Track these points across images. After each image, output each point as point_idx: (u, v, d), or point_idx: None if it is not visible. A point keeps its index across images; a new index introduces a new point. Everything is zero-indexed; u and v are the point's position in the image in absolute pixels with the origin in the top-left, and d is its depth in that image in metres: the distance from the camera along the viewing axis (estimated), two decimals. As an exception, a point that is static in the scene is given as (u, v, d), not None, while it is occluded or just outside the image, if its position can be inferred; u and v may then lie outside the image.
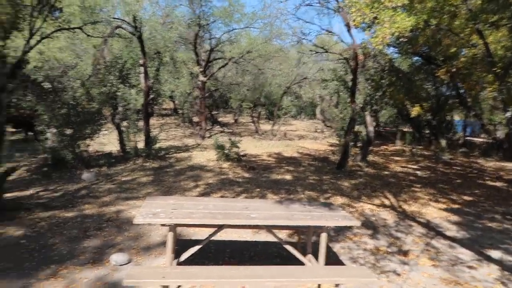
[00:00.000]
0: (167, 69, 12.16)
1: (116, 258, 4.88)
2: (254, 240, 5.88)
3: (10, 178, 7.67)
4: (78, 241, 5.45)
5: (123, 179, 9.42)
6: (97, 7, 12.72)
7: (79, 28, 7.87)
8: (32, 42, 7.30)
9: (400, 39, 9.95)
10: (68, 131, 10.25)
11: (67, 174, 9.77)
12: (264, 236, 5.93)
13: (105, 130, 11.40)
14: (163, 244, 5.45)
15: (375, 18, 6.01)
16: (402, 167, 13.37)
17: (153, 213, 4.06)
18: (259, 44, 16.51)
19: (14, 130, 16.20)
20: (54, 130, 10.45)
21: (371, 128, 13.12)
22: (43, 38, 6.86)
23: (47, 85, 14.53)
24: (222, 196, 8.13)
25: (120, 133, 11.92)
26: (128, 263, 4.90)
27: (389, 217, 7.36)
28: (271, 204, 5.08)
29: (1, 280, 4.32)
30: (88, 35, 9.16)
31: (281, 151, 15.70)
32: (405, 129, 24.25)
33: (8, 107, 6.40)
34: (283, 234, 6.04)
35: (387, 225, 6.88)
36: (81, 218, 6.40)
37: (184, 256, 4.34)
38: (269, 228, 4.50)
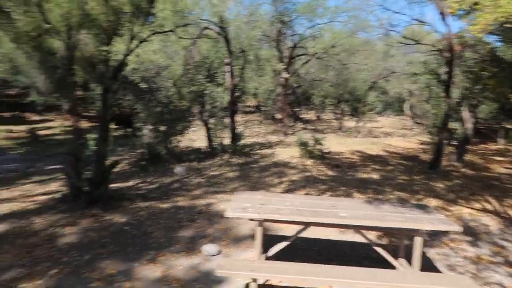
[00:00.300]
0: (251, 67, 12.45)
1: (208, 248, 5.14)
2: (340, 239, 5.76)
3: (114, 170, 8.50)
4: (173, 231, 5.85)
5: (212, 173, 9.87)
6: (187, 10, 13.47)
7: (172, 31, 8.39)
8: (131, 46, 7.97)
9: (505, 25, 8.93)
10: (162, 128, 11.02)
11: (161, 168, 10.52)
12: (350, 236, 5.78)
13: (194, 127, 12.04)
14: (250, 237, 5.61)
15: (475, 3, 5.46)
16: (506, 168, 12.07)
17: (242, 207, 4.19)
18: (343, 38, 16.08)
19: (116, 127, 17.89)
20: (150, 127, 11.30)
21: (469, 125, 12.04)
22: (141, 42, 7.44)
23: (143, 85, 15.78)
24: (306, 194, 8.11)
25: (208, 129, 12.49)
26: (219, 254, 5.13)
27: (492, 223, 6.69)
28: (360, 203, 4.93)
29: (110, 261, 4.82)
30: (180, 37, 9.72)
31: (366, 148, 15.15)
32: (509, 126, 21.84)
33: (111, 106, 7.11)
34: (371, 236, 5.83)
35: (490, 232, 6.26)
36: (175, 209, 6.85)
37: (272, 251, 4.42)
38: (359, 229, 4.37)
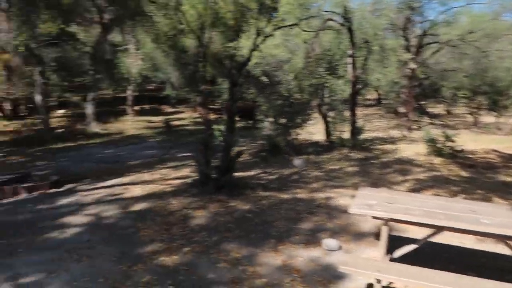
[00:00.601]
0: (375, 58, 11.86)
1: (328, 243, 5.08)
2: (477, 248, 5.14)
3: (238, 160, 8.99)
4: (293, 222, 5.94)
5: (330, 167, 9.74)
6: (309, 2, 13.42)
7: (296, 24, 8.44)
8: (257, 41, 8.27)
9: None
10: (282, 121, 11.25)
11: (280, 159, 10.77)
12: (491, 246, 5.11)
13: (313, 120, 12.01)
14: (371, 235, 5.38)
15: None
16: None
17: (368, 204, 4.02)
18: (484, 22, 14.20)
19: (238, 118, 18.92)
20: (271, 120, 11.64)
21: None
22: (266, 37, 7.65)
23: (264, 79, 16.31)
24: (434, 195, 7.43)
25: (327, 123, 12.34)
26: (339, 249, 5.03)
27: None
28: (505, 210, 4.31)
29: (235, 245, 5.11)
30: (304, 30, 9.72)
31: (506, 148, 13.23)
32: None
33: (238, 99, 7.52)
34: (517, 247, 5.06)
35: None
36: (294, 201, 6.95)
37: (398, 253, 4.15)
38: (506, 239, 3.82)
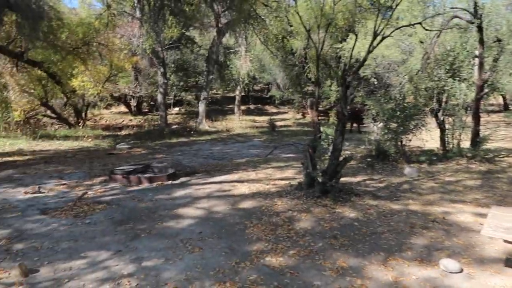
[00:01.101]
0: (508, 58, 10.44)
1: (447, 263, 4.60)
2: None
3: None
4: (405, 236, 5.52)
5: (446, 179, 8.88)
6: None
7: (419, 23, 7.83)
8: (373, 42, 7.90)
9: None
10: (393, 125, 10.59)
11: (389, 166, 10.17)
12: None
13: (426, 126, 11.08)
14: (499, 261, 4.72)
15: None
16: None
17: (505, 227, 3.52)
18: None
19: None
20: (380, 124, 11.05)
21: None
22: (384, 38, 7.23)
23: (374, 81, 15.61)
24: None
25: (443, 130, 11.29)
26: (460, 272, 4.52)
27: None
28: None
29: (341, 253, 4.94)
30: (426, 30, 9.00)
31: None
32: None
33: (351, 101, 7.28)
34: None
35: None
36: (406, 212, 6.47)
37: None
38: None
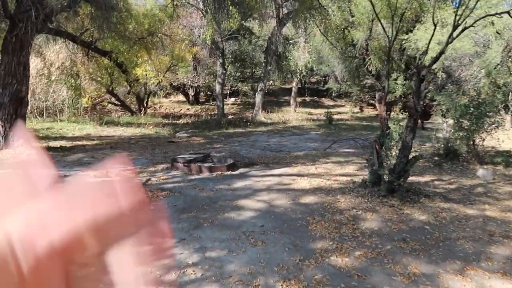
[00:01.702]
0: None
1: (536, 280, 4.15)
2: None
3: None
4: (483, 244, 5.07)
5: (527, 184, 8.11)
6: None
7: (507, 12, 7.12)
8: (453, 33, 7.31)
9: None
10: (465, 123, 9.85)
11: (459, 167, 9.49)
12: None
13: (503, 124, 10.19)
14: None
15: None
16: None
17: None
18: None
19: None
20: (450, 121, 10.33)
21: None
22: (465, 29, 6.64)
23: (442, 74, 14.64)
24: None
25: (523, 129, 10.32)
26: (551, 291, 4.05)
27: None
28: None
29: (412, 258, 4.63)
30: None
31: None
32: None
33: (424, 96, 6.81)
34: None
35: None
36: (482, 218, 5.96)
37: None
38: None
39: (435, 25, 6.66)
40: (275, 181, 7.80)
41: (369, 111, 31.79)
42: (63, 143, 12.18)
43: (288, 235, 5.19)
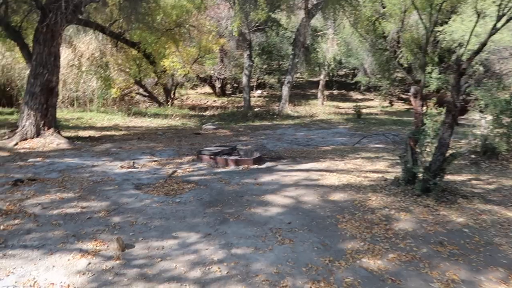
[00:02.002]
0: None
1: None
2: None
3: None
4: (529, 251, 4.71)
5: None
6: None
7: None
8: (497, 25, 6.82)
9: None
10: (506, 120, 9.29)
11: (498, 166, 8.96)
12: None
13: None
14: None
15: None
16: None
17: None
18: None
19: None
20: (489, 117, 9.78)
21: None
22: (508, 20, 6.15)
23: (479, 68, 13.93)
24: None
25: None
26: None
27: None
28: None
29: (450, 263, 4.33)
30: None
31: None
32: None
33: (463, 92, 6.41)
34: None
35: None
36: (526, 222, 5.55)
37: None
38: None
39: (478, 15, 6.22)
40: (302, 176, 7.58)
41: (399, 106, 30.90)
42: (92, 133, 12.33)
43: (316, 233, 4.99)
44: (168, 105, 22.23)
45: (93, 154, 9.02)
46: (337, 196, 6.38)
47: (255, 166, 8.36)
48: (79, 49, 16.16)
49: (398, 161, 8.63)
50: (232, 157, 8.81)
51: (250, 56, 20.44)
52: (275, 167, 8.38)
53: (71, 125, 13.95)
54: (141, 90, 23.63)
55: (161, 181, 7.03)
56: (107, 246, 4.42)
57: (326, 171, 8.04)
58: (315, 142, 12.23)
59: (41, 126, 9.74)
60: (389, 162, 9.07)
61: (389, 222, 5.38)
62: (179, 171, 7.85)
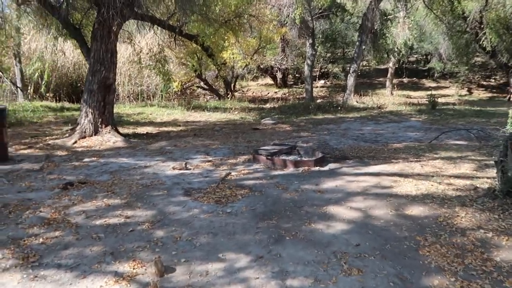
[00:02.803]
0: None
1: None
2: None
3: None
4: None
5: None
6: None
7: None
8: None
9: None
10: None
11: None
12: None
13: None
14: None
15: None
16: None
17: None
18: None
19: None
20: None
21: None
22: None
23: None
24: None
25: None
26: None
27: None
28: None
29: None
30: None
31: None
32: None
33: None
34: None
35: None
36: None
37: None
38: None
39: None
40: (372, 182, 6.58)
41: (479, 94, 27.93)
42: (150, 129, 12.23)
43: (392, 261, 4.05)
44: (228, 97, 21.92)
45: (147, 153, 8.74)
46: (416, 210, 5.33)
47: (316, 168, 7.50)
48: (139, 45, 16.25)
49: (487, 163, 7.32)
50: (290, 158, 8.03)
51: (313, 45, 19.35)
52: (340, 170, 7.45)
53: (131, 120, 14.04)
54: (202, 83, 23.58)
55: (213, 186, 6.46)
56: (145, 269, 3.88)
57: (400, 175, 6.94)
58: (384, 138, 11.02)
59: (99, 123, 9.69)
60: (476, 164, 7.72)
61: (486, 249, 4.27)
62: (233, 173, 7.24)
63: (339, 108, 17.63)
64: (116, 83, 20.55)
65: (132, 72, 22.44)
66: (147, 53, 15.84)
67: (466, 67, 27.93)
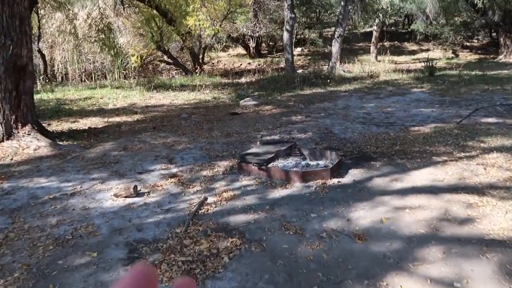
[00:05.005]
0: None
1: None
2: None
3: None
4: None
5: None
6: None
7: None
8: None
9: None
10: None
11: None
12: None
13: None
14: None
15: None
16: None
17: None
18: None
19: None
20: None
21: None
22: None
23: None
24: None
25: None
26: None
27: None
28: None
29: None
30: None
31: None
32: None
33: None
34: None
35: None
36: None
37: None
38: None
39: None
40: (434, 210, 4.15)
41: (466, 56, 26.09)
42: (95, 121, 9.36)
43: None
44: (197, 72, 18.94)
45: (81, 166, 5.96)
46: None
47: (335, 181, 5.00)
48: (71, 9, 12.86)
49: None
50: (291, 163, 5.52)
51: (291, 7, 16.53)
52: (370, 183, 4.98)
53: (75, 108, 11.04)
54: (165, 57, 20.42)
55: (179, 232, 3.88)
56: None
57: (468, 190, 4.56)
58: (399, 120, 8.65)
59: (12, 123, 6.77)
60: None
61: None
62: (210, 199, 4.66)
63: (328, 80, 15.10)
64: (55, 61, 17.03)
65: (82, 47, 18.97)
66: (85, 20, 12.62)
67: (451, 28, 25.96)
